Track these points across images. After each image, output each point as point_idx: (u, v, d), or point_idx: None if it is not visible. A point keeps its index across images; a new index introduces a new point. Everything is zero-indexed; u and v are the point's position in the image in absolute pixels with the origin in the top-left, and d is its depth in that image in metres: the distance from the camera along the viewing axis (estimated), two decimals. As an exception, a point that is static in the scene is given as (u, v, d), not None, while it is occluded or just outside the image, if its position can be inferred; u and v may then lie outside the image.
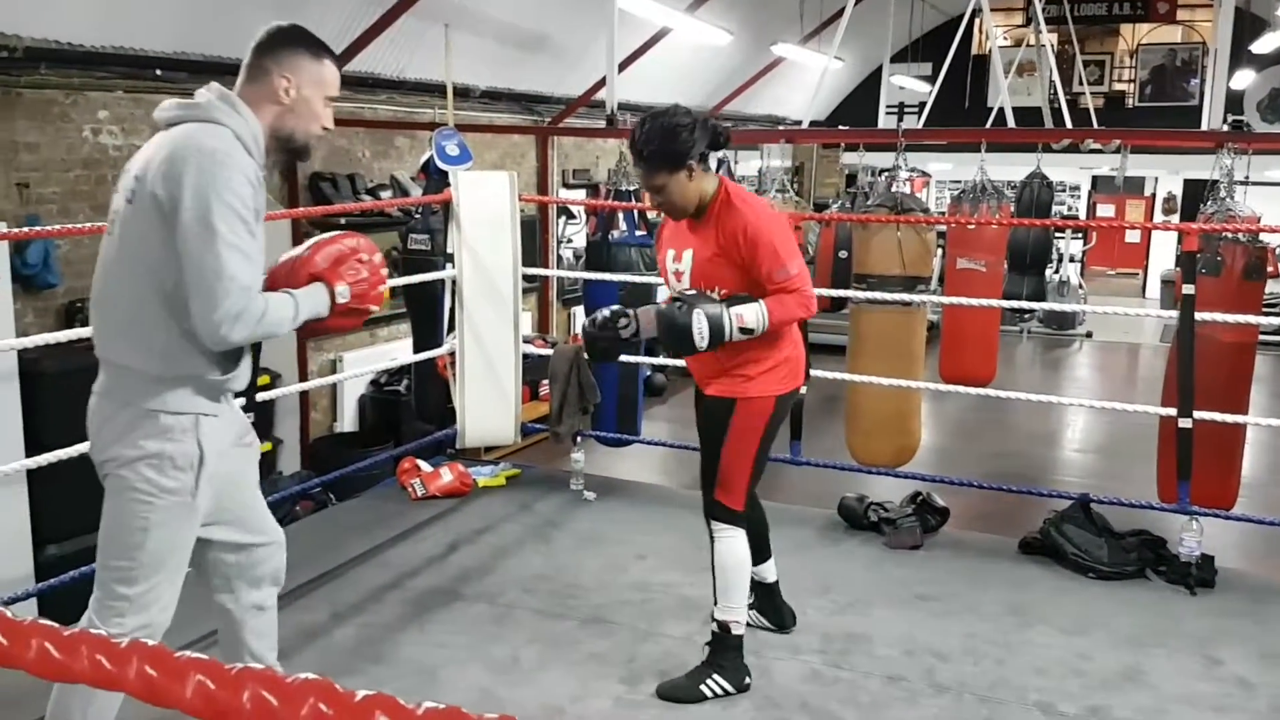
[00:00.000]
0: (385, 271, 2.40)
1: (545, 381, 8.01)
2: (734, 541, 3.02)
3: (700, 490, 3.09)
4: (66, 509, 4.59)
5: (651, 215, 5.27)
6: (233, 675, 0.60)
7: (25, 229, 4.79)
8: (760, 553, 3.29)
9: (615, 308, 3.23)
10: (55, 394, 4.48)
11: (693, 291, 2.93)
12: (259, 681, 0.59)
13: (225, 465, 2.29)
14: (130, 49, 5.73)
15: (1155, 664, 3.32)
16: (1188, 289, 4.04)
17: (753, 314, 2.84)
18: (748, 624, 3.30)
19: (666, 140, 2.86)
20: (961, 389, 5.15)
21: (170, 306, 2.13)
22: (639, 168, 2.95)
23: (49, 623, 0.67)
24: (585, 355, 3.58)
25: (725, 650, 3.06)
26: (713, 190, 2.93)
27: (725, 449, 2.98)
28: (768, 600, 3.42)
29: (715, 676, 3.04)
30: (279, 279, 2.29)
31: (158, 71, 5.92)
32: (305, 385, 5.95)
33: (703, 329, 2.82)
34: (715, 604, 3.08)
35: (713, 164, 3.02)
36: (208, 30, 6.03)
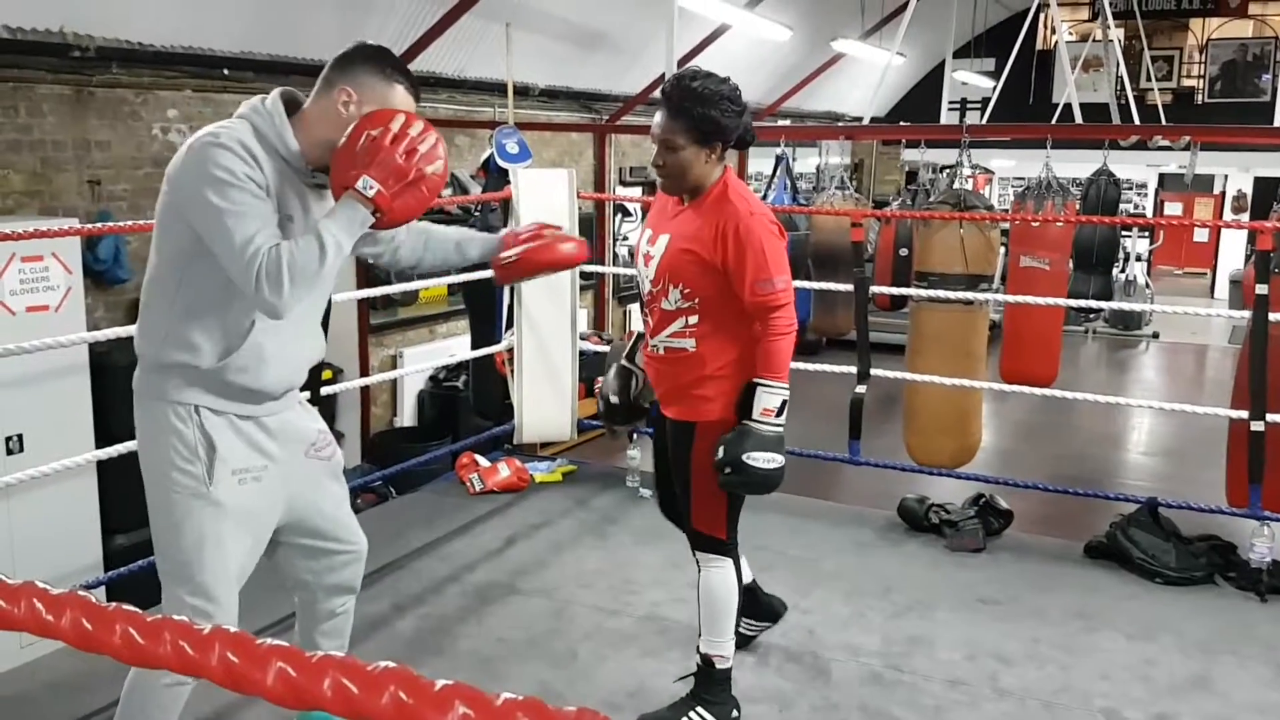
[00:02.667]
0: (417, 129, 2.13)
1: (600, 378, 8.05)
2: (722, 572, 2.81)
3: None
4: (134, 500, 4.67)
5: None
6: (314, 663, 0.61)
7: (97, 225, 4.91)
8: None
9: (619, 368, 2.99)
10: (125, 387, 4.51)
11: (720, 453, 2.62)
12: (339, 669, 0.60)
13: (286, 472, 2.25)
14: (199, 49, 5.84)
15: (1224, 671, 3.25)
16: (1261, 289, 3.95)
17: (768, 398, 2.60)
18: (748, 636, 3.24)
19: (711, 106, 2.60)
20: (1024, 389, 5.07)
21: (179, 293, 2.13)
22: (663, 117, 2.63)
23: (132, 608, 0.68)
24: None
25: (710, 684, 2.86)
26: (714, 179, 2.67)
27: (694, 478, 2.74)
28: (750, 600, 3.19)
29: (700, 710, 2.84)
30: None
31: (225, 71, 6.02)
32: (367, 380, 6.03)
33: (764, 460, 2.59)
34: (700, 635, 2.87)
35: (726, 159, 2.74)
36: (274, 31, 6.12)
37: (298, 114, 2.17)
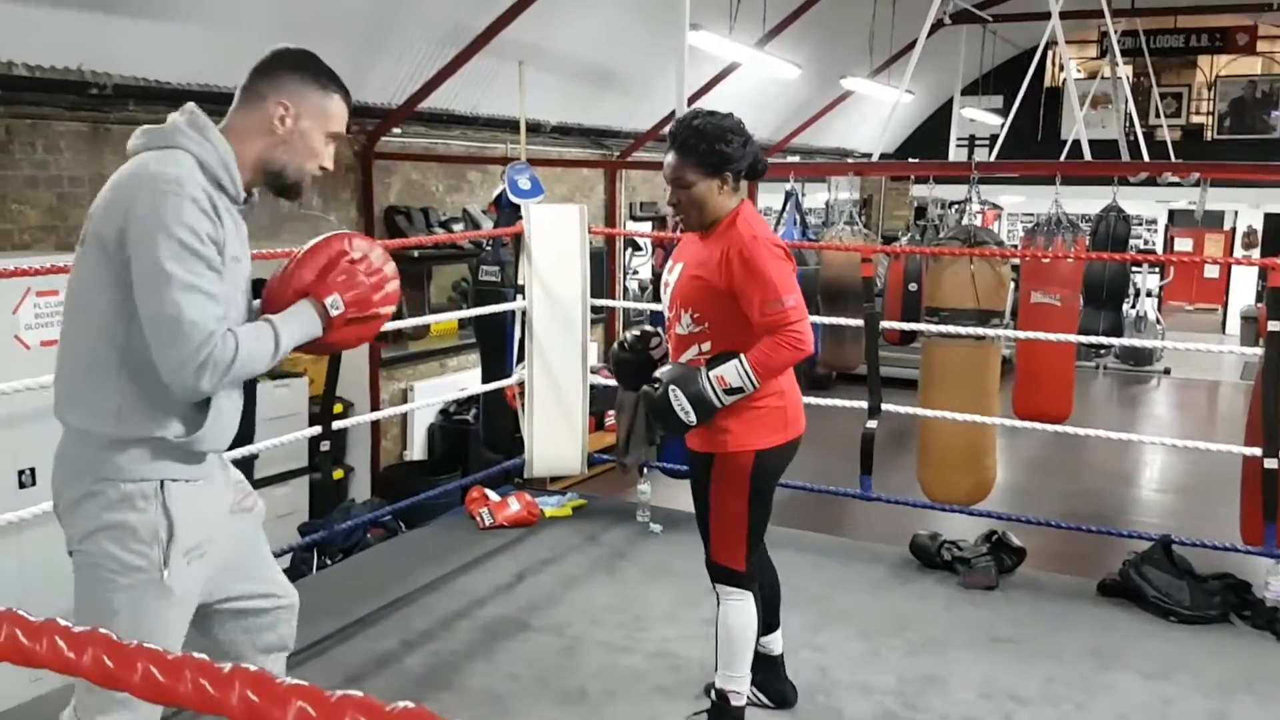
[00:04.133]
0: (391, 268, 2.09)
1: (611, 412, 8.05)
2: (741, 605, 2.81)
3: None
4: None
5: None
6: (333, 702, 0.61)
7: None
8: (768, 621, 3.06)
9: (645, 327, 3.04)
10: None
11: (666, 367, 2.73)
12: (360, 709, 0.60)
13: (221, 538, 2.04)
14: (215, 86, 5.90)
15: (1242, 711, 3.21)
16: (1274, 325, 3.94)
17: (733, 372, 2.60)
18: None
19: (715, 140, 2.68)
20: (1036, 425, 5.05)
21: (123, 359, 1.89)
22: (673, 156, 2.72)
23: (153, 647, 0.68)
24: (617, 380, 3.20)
25: None
26: (729, 210, 2.74)
27: (711, 509, 2.78)
28: (769, 674, 3.12)
29: None
30: (270, 301, 2.05)
31: (240, 107, 6.07)
32: (377, 415, 6.03)
33: (684, 405, 2.61)
34: (716, 670, 2.87)
35: (743, 190, 2.83)
36: (288, 67, 6.19)
37: (221, 130, 1.98)
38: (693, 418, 2.63)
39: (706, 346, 2.74)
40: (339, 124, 2.06)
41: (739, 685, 2.84)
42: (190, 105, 1.98)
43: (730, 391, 2.62)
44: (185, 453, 1.96)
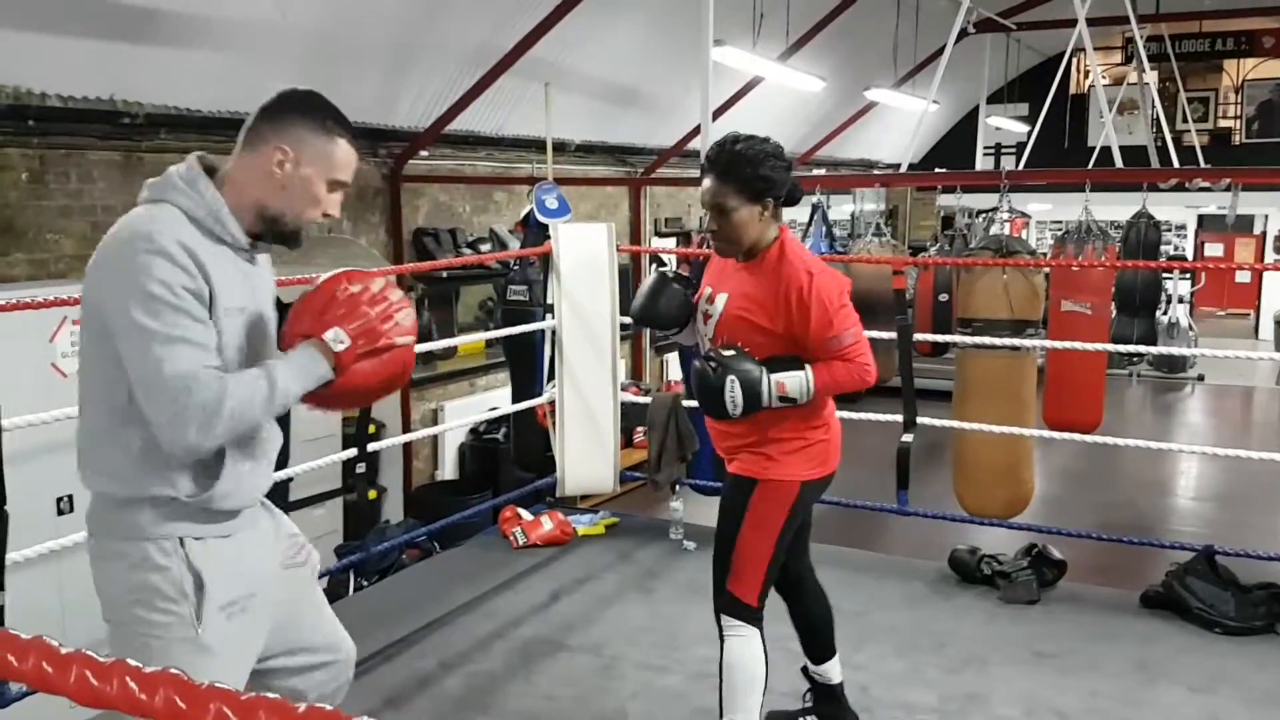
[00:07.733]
0: (398, 295, 2.00)
1: (641, 429, 8.03)
2: (745, 641, 2.70)
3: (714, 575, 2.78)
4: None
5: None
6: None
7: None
8: (822, 649, 3.03)
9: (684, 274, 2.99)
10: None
11: (731, 351, 2.62)
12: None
13: (269, 593, 1.99)
14: (244, 114, 5.94)
15: (1294, 726, 3.15)
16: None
17: (795, 382, 2.56)
18: None
19: (756, 164, 2.60)
20: (1070, 436, 5.00)
21: (125, 420, 1.86)
22: (712, 181, 2.63)
23: (177, 672, 0.68)
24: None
25: None
26: (771, 239, 2.66)
27: (741, 534, 2.68)
28: (831, 705, 3.06)
29: None
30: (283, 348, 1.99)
31: (269, 134, 6.13)
32: (409, 436, 6.04)
33: (735, 396, 2.55)
34: (721, 714, 2.74)
35: (784, 217, 2.75)
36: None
37: (220, 176, 1.92)
38: (739, 412, 2.57)
39: None
40: (344, 171, 1.98)
41: None
42: (191, 156, 1.93)
43: (784, 400, 2.58)
44: (204, 511, 1.90)
